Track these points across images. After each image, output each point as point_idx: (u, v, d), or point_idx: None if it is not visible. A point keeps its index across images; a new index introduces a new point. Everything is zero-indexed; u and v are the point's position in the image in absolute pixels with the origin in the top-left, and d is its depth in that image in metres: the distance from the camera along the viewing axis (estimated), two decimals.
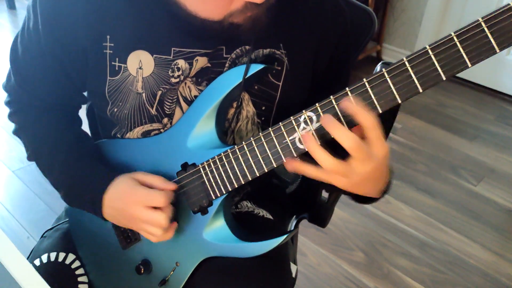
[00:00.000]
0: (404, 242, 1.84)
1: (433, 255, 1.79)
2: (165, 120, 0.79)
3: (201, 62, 0.76)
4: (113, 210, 0.77)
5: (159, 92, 0.77)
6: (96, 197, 0.77)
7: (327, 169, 0.62)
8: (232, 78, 0.73)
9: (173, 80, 0.76)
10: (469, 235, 1.89)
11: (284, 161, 0.68)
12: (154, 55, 0.74)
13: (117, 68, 0.75)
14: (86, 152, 0.83)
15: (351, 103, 0.60)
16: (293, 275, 0.91)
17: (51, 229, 0.95)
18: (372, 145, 0.61)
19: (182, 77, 0.76)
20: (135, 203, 0.73)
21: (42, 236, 0.94)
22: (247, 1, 0.64)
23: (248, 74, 0.71)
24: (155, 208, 0.73)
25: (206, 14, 0.67)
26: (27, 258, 0.88)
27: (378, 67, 0.84)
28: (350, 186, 0.65)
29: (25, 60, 0.80)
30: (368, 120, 0.60)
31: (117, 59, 0.75)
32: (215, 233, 0.77)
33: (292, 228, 1.04)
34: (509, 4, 0.53)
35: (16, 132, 0.87)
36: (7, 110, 0.88)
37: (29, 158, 0.86)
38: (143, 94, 0.77)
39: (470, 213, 2.00)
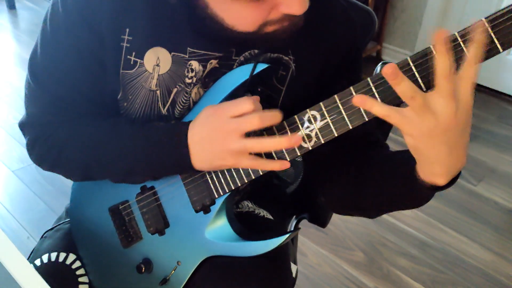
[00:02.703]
0: (404, 242, 1.84)
1: (433, 255, 1.79)
2: (173, 122, 0.79)
3: (213, 64, 0.76)
4: (198, 145, 0.70)
5: (175, 90, 0.76)
6: (179, 143, 0.71)
7: (407, 95, 0.55)
8: (237, 76, 0.73)
9: (187, 80, 0.76)
10: (469, 235, 1.89)
11: (288, 159, 0.68)
12: (172, 53, 0.74)
13: (132, 63, 0.74)
14: (127, 121, 0.78)
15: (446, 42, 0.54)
16: (293, 275, 0.91)
17: (51, 229, 0.95)
18: (460, 99, 0.56)
19: (194, 79, 0.76)
20: (218, 116, 0.67)
21: (42, 237, 0.94)
22: (285, 13, 0.63)
23: (254, 73, 0.71)
24: None
25: (242, 27, 0.65)
26: (27, 258, 0.88)
27: (378, 67, 0.84)
28: (422, 135, 0.57)
29: (55, 65, 0.76)
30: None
31: (133, 53, 0.74)
32: (217, 232, 0.77)
33: (292, 228, 1.05)
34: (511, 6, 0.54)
35: (59, 157, 0.79)
36: (33, 151, 0.81)
37: (83, 175, 0.81)
38: (157, 92, 0.76)
39: (470, 213, 2.00)
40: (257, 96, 0.69)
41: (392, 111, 0.57)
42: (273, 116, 0.66)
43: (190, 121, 0.72)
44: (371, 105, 0.58)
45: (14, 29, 3.35)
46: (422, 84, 0.59)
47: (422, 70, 0.58)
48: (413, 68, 0.59)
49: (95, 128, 0.78)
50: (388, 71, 0.54)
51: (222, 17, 0.65)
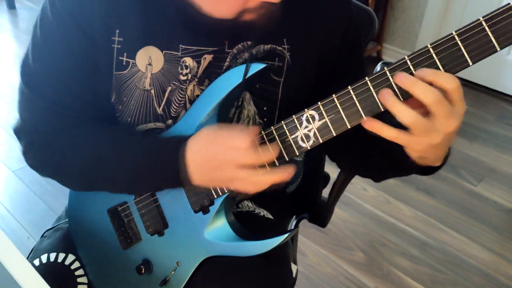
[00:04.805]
0: (404, 242, 1.84)
1: (433, 255, 1.79)
2: (170, 121, 0.79)
3: (208, 60, 0.76)
4: (197, 165, 0.71)
5: (169, 88, 0.76)
6: (177, 162, 0.71)
7: (410, 124, 0.59)
8: (233, 78, 0.73)
9: (182, 77, 0.76)
10: (469, 235, 1.89)
11: (287, 159, 0.68)
12: (164, 51, 0.74)
13: (124, 63, 0.75)
14: (127, 134, 0.78)
15: (429, 69, 0.58)
16: (293, 275, 0.90)
17: (51, 229, 0.95)
18: (455, 105, 0.59)
19: (190, 76, 0.76)
20: (217, 144, 0.68)
21: (42, 236, 0.94)
22: (263, 1, 0.63)
23: (249, 74, 0.71)
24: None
25: (220, 14, 0.66)
26: (27, 258, 0.88)
27: (378, 67, 0.84)
28: (428, 148, 0.62)
29: (49, 69, 0.75)
30: (452, 82, 0.57)
31: (125, 54, 0.74)
32: (216, 232, 0.77)
33: (292, 228, 1.05)
34: (509, 4, 0.54)
35: (53, 173, 0.80)
36: (30, 157, 0.80)
37: (83, 187, 0.81)
38: (152, 91, 0.76)
39: (470, 213, 2.00)
40: (257, 127, 0.69)
41: (400, 134, 0.61)
42: (269, 155, 0.67)
43: (188, 138, 0.71)
44: (380, 129, 0.61)
45: (14, 29, 3.35)
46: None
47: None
48: (411, 67, 0.59)
49: (94, 140, 0.77)
50: (383, 96, 0.60)
51: (199, 4, 0.66)
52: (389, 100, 0.60)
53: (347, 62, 0.81)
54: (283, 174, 0.67)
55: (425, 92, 0.57)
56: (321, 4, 0.77)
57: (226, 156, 0.67)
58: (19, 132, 0.82)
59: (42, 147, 0.79)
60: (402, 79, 0.59)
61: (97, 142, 0.77)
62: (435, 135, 0.60)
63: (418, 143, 0.61)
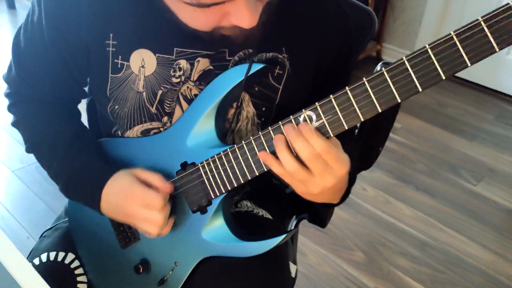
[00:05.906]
0: (404, 242, 1.84)
1: (433, 255, 1.79)
2: (165, 118, 0.79)
3: (202, 63, 0.76)
4: (110, 205, 0.77)
5: (160, 92, 0.77)
6: (94, 191, 0.78)
7: (288, 170, 0.64)
8: (232, 77, 0.73)
9: (174, 80, 0.76)
10: (469, 235, 1.89)
11: None
12: (157, 54, 0.75)
13: (119, 66, 0.76)
14: (85, 145, 0.83)
15: (307, 127, 0.63)
16: (293, 275, 0.90)
17: (50, 228, 0.95)
18: (330, 166, 0.63)
19: (183, 78, 0.76)
20: (132, 201, 0.74)
21: (41, 236, 0.94)
22: (235, 24, 0.63)
23: (250, 73, 0.71)
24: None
25: (195, 26, 0.66)
26: (27, 258, 0.88)
27: (378, 67, 0.84)
28: (307, 195, 0.68)
29: (27, 53, 0.81)
30: (319, 145, 0.62)
31: (120, 56, 0.75)
32: (214, 233, 0.77)
33: (292, 228, 1.04)
34: (508, 4, 0.54)
35: (15, 124, 0.88)
36: (6, 102, 0.88)
37: (28, 150, 0.86)
38: (144, 93, 0.77)
39: (470, 213, 2.00)
40: (170, 185, 0.74)
41: (285, 174, 0.65)
42: (169, 225, 0.76)
43: (112, 174, 0.77)
44: (271, 164, 0.66)
45: (14, 29, 3.35)
46: (418, 84, 0.59)
47: (418, 70, 0.59)
48: (408, 68, 0.59)
49: (59, 131, 0.84)
50: (275, 142, 0.65)
51: (176, 14, 0.67)
52: (277, 144, 0.64)
53: (336, 73, 0.82)
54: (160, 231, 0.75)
55: (302, 148, 0.62)
56: (320, 16, 0.77)
57: (139, 213, 0.74)
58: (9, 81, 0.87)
59: (25, 111, 0.87)
60: (287, 131, 0.64)
61: (61, 134, 0.84)
62: (312, 187, 0.65)
63: (296, 187, 0.67)
